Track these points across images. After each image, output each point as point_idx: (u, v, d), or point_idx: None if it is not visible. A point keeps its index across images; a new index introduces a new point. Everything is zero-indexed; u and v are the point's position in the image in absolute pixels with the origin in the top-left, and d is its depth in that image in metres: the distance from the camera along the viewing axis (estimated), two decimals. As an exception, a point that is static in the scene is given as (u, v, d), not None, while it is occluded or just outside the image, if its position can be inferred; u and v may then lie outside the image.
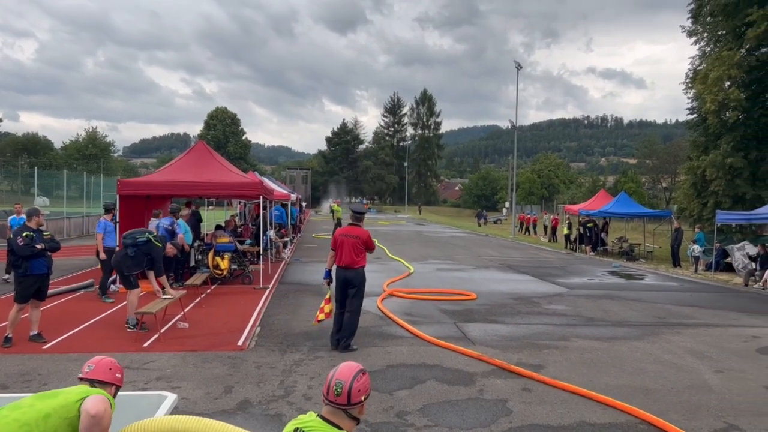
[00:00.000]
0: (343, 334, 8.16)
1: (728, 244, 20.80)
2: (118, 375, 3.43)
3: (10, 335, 7.77)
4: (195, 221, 16.27)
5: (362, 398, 2.65)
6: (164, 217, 12.55)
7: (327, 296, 8.63)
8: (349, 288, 8.19)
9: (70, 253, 19.03)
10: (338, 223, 30.53)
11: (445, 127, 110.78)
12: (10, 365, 6.98)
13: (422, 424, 5.52)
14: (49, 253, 7.98)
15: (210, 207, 18.32)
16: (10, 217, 14.32)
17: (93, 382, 3.31)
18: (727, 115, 23.54)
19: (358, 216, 8.58)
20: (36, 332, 8.06)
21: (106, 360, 3.44)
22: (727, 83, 23.33)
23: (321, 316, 8.55)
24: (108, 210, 11.77)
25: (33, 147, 68.99)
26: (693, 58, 27.21)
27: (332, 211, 33.47)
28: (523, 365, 7.48)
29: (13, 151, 66.25)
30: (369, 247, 8.31)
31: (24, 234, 7.75)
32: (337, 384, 2.62)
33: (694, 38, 26.82)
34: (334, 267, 8.38)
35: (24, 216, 14.36)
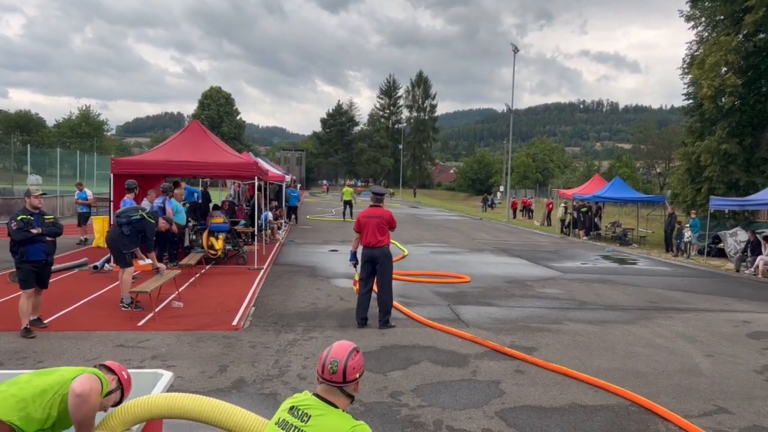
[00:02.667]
0: (381, 311, 8.48)
1: (721, 230, 20.92)
2: (124, 374, 3.34)
3: (27, 326, 7.38)
4: (205, 201, 16.30)
5: (356, 376, 2.70)
6: (157, 197, 12.44)
7: (355, 278, 8.75)
8: (376, 265, 8.44)
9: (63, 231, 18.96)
10: (347, 204, 30.62)
11: (439, 110, 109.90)
12: (5, 343, 6.99)
13: (416, 404, 5.56)
14: (48, 239, 7.53)
15: (207, 188, 18.40)
16: (77, 192, 17.43)
17: (101, 366, 3.28)
18: (723, 101, 23.53)
19: (378, 197, 8.88)
20: (36, 317, 7.76)
21: (118, 365, 3.40)
22: (724, 69, 23.27)
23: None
24: (131, 189, 11.75)
25: (26, 124, 68.43)
26: (690, 43, 27.10)
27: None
28: (516, 347, 7.54)
29: (5, 128, 65.71)
30: (392, 225, 8.63)
31: (19, 218, 7.29)
32: (333, 362, 2.65)
33: (692, 23, 26.70)
34: (360, 248, 8.61)
35: (86, 190, 16.73)
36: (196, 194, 16.24)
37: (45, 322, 7.83)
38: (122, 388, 3.28)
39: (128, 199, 11.25)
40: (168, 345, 7.14)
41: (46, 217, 7.58)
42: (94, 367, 3.26)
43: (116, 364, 3.34)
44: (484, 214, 45.40)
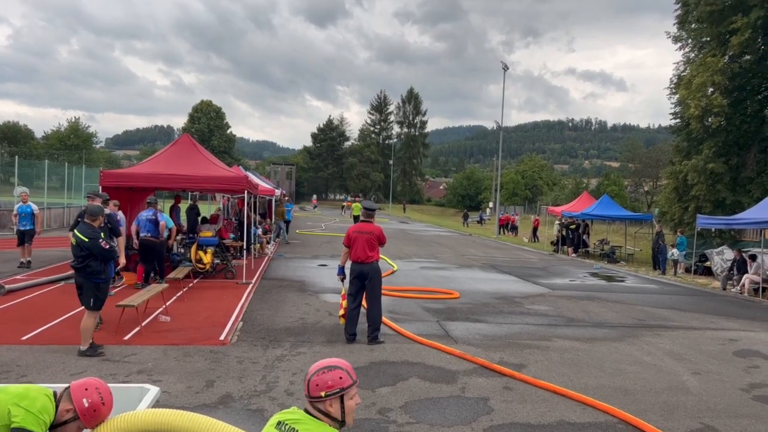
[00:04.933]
0: (370, 327, 8.44)
1: (708, 248, 21.08)
2: (84, 401, 3.06)
3: (85, 347, 7.07)
4: (194, 215, 16.20)
5: (321, 394, 2.55)
6: (145, 210, 12.39)
7: (342, 293, 8.70)
8: (366, 281, 8.41)
9: (49, 244, 18.83)
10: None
11: (428, 126, 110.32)
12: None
13: (404, 420, 5.54)
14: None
15: (196, 201, 18.38)
16: (17, 205, 14.38)
17: (65, 390, 3.13)
18: (710, 120, 23.81)
19: (369, 212, 8.81)
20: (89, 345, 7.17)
21: (93, 381, 3.20)
22: (711, 89, 23.60)
23: (341, 312, 8.65)
24: (150, 204, 12.31)
25: (14, 136, 67.98)
26: (677, 63, 27.47)
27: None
28: (505, 364, 7.53)
29: (-8, 139, 65.25)
30: (382, 241, 8.62)
31: (102, 235, 7.19)
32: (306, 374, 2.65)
33: (679, 44, 27.10)
34: (348, 263, 8.59)
35: (31, 204, 14.32)
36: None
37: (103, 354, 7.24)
38: (78, 418, 3.07)
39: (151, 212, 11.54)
40: (155, 359, 7.07)
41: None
42: (61, 391, 3.13)
43: (79, 390, 3.10)
44: (471, 229, 45.50)
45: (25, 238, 13.99)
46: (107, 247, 7.16)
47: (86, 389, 3.11)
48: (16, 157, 29.46)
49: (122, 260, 9.13)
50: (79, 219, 8.93)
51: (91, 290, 7.16)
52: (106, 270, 7.29)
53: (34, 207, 14.41)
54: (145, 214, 12.08)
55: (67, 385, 3.20)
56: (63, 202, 28.39)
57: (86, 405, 3.07)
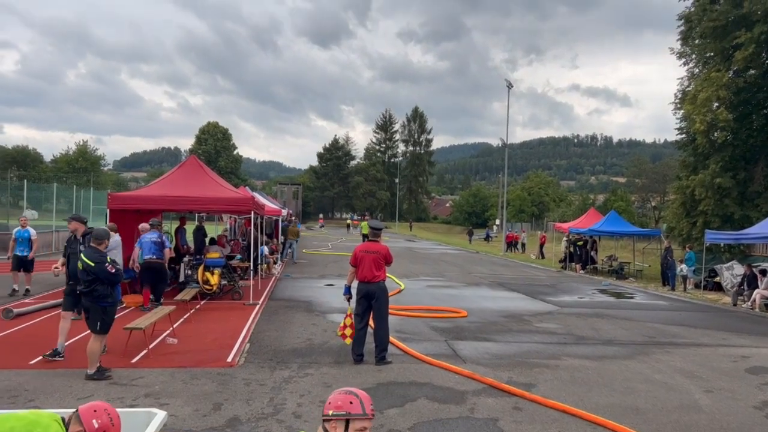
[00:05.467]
0: (377, 347, 8.40)
1: (717, 263, 20.94)
2: (95, 422, 3.07)
3: (92, 371, 7.06)
4: (200, 236, 16.24)
5: (329, 412, 2.57)
6: (150, 231, 12.37)
7: (348, 312, 8.66)
8: (372, 301, 8.39)
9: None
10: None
11: (434, 144, 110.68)
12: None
13: (413, 443, 5.48)
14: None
15: (202, 222, 18.49)
16: (16, 230, 13.71)
17: (75, 414, 3.10)
18: (716, 135, 23.79)
19: (376, 232, 8.84)
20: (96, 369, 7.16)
21: (101, 404, 3.18)
22: (716, 104, 23.61)
23: (348, 331, 8.55)
24: (153, 226, 12.35)
25: (23, 160, 68.61)
26: (681, 79, 27.56)
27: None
28: (514, 384, 7.46)
29: (2, 163, 65.85)
30: (388, 260, 8.61)
31: (109, 259, 7.30)
32: None
33: (682, 60, 27.18)
34: (355, 282, 8.57)
35: (29, 228, 13.62)
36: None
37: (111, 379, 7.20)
38: None
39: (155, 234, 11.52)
40: (162, 382, 7.05)
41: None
42: (70, 415, 3.12)
43: (88, 412, 3.09)
44: (478, 247, 45.40)
45: (22, 264, 13.41)
46: (113, 270, 7.20)
47: (95, 411, 3.10)
48: (25, 180, 29.67)
49: None
50: (67, 244, 8.85)
51: (97, 314, 7.18)
52: (113, 294, 7.31)
53: (33, 232, 13.72)
54: (149, 236, 12.08)
55: (74, 409, 3.19)
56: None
57: (96, 426, 3.06)
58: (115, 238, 11.07)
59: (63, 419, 3.17)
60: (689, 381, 8.08)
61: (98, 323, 7.16)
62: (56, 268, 8.93)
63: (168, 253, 12.34)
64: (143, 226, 12.37)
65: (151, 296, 12.19)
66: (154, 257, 11.93)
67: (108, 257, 7.31)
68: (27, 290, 13.53)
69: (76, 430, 3.10)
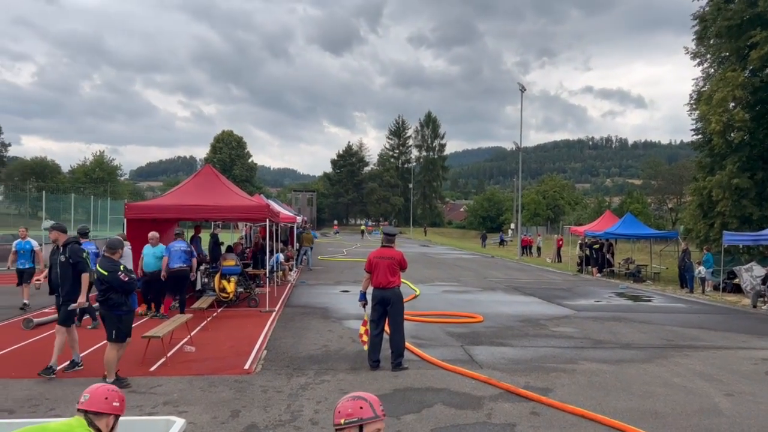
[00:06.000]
0: (393, 353, 8.42)
1: (736, 265, 20.68)
2: (115, 403, 3.25)
3: (108, 379, 6.98)
4: (212, 244, 16.36)
5: (341, 421, 2.58)
6: (177, 240, 12.60)
7: (364, 318, 8.69)
8: (388, 307, 8.42)
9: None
10: None
11: (447, 149, 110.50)
12: (18, 390, 6.99)
13: (430, 448, 5.48)
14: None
15: (216, 230, 18.60)
16: (16, 242, 13.33)
17: (88, 414, 3.18)
18: (732, 135, 23.57)
19: (390, 238, 8.88)
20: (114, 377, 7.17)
21: (102, 388, 3.29)
22: (732, 104, 23.40)
23: (366, 338, 8.56)
24: (179, 235, 12.69)
25: (41, 171, 69.64)
26: (697, 79, 27.35)
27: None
28: (531, 389, 7.43)
29: (21, 174, 66.83)
30: (403, 266, 8.63)
31: (122, 268, 7.34)
32: None
33: (698, 60, 26.97)
34: (370, 289, 8.60)
35: (30, 240, 13.22)
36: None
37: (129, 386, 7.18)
38: (118, 417, 3.30)
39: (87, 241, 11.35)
40: (180, 390, 7.11)
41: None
42: (84, 416, 3.20)
43: (99, 401, 3.21)
44: (493, 251, 45.23)
45: (24, 276, 12.97)
46: (126, 279, 7.27)
47: (106, 397, 3.25)
48: (44, 192, 30.10)
49: (81, 299, 7.78)
50: (51, 255, 8.42)
51: (113, 322, 7.28)
52: (127, 302, 7.37)
53: (34, 243, 13.36)
54: (178, 245, 12.32)
55: (77, 408, 3.25)
56: (89, 234, 28.84)
57: (119, 404, 3.29)
58: (125, 249, 11.18)
59: (88, 421, 3.23)
60: (709, 384, 7.99)
61: (114, 331, 7.25)
62: (38, 280, 8.84)
63: (195, 261, 12.55)
64: (153, 234, 12.38)
65: (174, 303, 12.33)
66: (185, 265, 12.19)
67: (121, 266, 7.39)
68: (24, 304, 12.88)
69: (105, 422, 3.23)
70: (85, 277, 7.77)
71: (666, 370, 8.76)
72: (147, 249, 12.21)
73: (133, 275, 7.62)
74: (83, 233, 11.35)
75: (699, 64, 27.06)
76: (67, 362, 7.94)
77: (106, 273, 7.20)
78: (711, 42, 25.93)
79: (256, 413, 6.33)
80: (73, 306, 7.68)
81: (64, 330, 7.71)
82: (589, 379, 8.13)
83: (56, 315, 11.30)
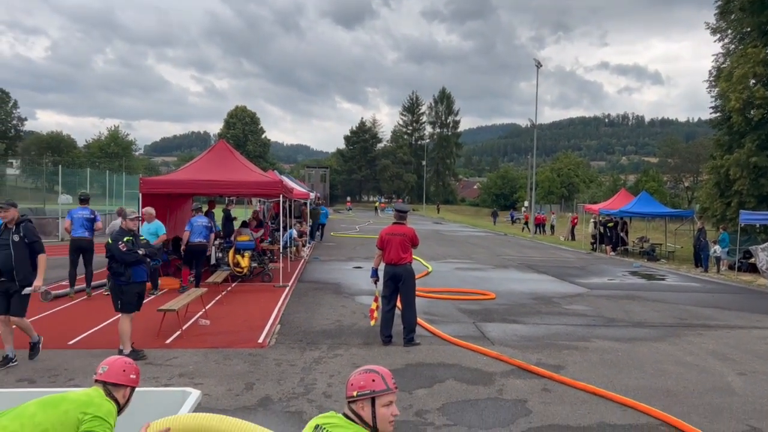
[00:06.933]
0: (405, 329, 8.48)
1: (752, 244, 20.49)
2: (132, 376, 3.36)
3: (125, 351, 7.08)
4: (225, 219, 16.52)
5: (353, 393, 2.61)
6: (198, 215, 12.80)
7: (376, 295, 8.75)
8: (399, 283, 8.46)
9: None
10: None
11: (461, 126, 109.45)
12: (38, 361, 7.11)
13: (441, 423, 5.54)
14: (148, 260, 7.60)
15: (230, 206, 18.68)
16: None
17: (106, 384, 3.28)
18: (752, 113, 23.16)
19: (401, 214, 8.88)
20: (130, 349, 7.24)
21: (120, 361, 3.39)
22: (753, 81, 22.96)
23: (376, 314, 8.71)
24: (196, 210, 12.99)
25: (57, 145, 70.09)
26: (717, 55, 26.85)
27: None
28: (543, 365, 7.46)
29: (37, 149, 67.34)
30: (415, 243, 8.64)
31: (125, 239, 7.26)
32: None
33: (718, 35, 26.45)
34: (382, 265, 8.64)
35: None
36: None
37: (146, 358, 7.30)
38: (134, 389, 3.40)
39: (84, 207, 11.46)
40: (195, 363, 7.22)
41: (141, 237, 7.63)
42: (103, 387, 3.28)
43: (118, 372, 3.31)
44: (506, 229, 45.09)
45: None
46: (125, 249, 7.19)
47: (123, 370, 3.35)
48: (60, 166, 30.34)
49: (38, 282, 6.95)
50: None
51: (116, 292, 7.42)
52: (127, 272, 7.24)
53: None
54: (200, 220, 12.52)
55: (95, 379, 3.34)
56: (105, 208, 29.13)
57: (135, 377, 3.40)
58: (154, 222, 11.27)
59: (107, 392, 3.30)
60: (722, 363, 7.97)
61: (118, 302, 7.36)
62: None
63: (212, 237, 12.75)
64: (148, 210, 11.69)
65: (190, 277, 12.50)
66: (204, 240, 12.44)
67: (127, 238, 7.31)
68: None
69: (122, 393, 3.33)
70: (42, 258, 6.98)
71: (678, 348, 8.75)
72: (144, 226, 12.08)
73: (134, 249, 7.30)
74: (83, 199, 11.65)
75: (720, 40, 26.54)
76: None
77: (110, 242, 7.37)
78: (733, 17, 25.38)
79: (270, 386, 6.42)
80: (28, 290, 6.89)
81: (19, 320, 6.95)
82: (601, 356, 8.14)
83: (75, 288, 11.53)
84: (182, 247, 12.48)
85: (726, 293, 15.18)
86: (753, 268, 19.64)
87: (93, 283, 11.66)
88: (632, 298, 13.38)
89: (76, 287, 11.31)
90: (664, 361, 7.97)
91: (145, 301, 9.80)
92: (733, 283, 17.42)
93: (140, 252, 7.34)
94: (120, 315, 7.40)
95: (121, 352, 7.05)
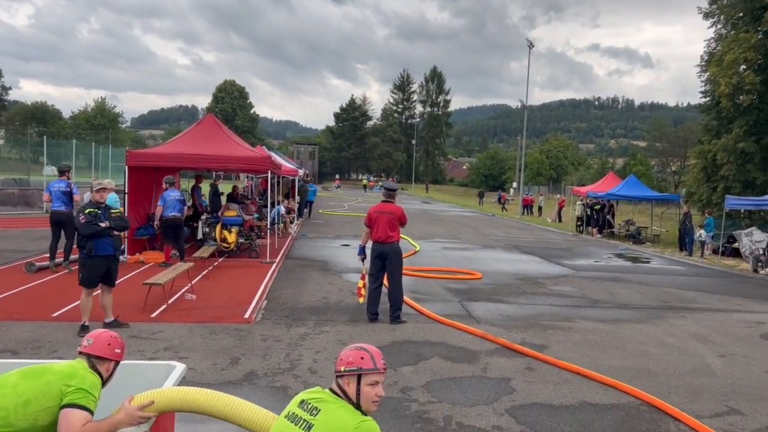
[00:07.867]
0: (391, 306, 8.51)
1: (737, 229, 20.71)
2: (117, 350, 3.32)
3: (86, 323, 7.14)
4: (212, 194, 16.38)
5: (341, 368, 2.62)
6: (170, 189, 12.44)
7: (362, 272, 8.75)
8: (386, 261, 8.46)
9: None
10: None
11: (451, 105, 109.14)
12: (21, 332, 7.08)
13: (426, 399, 5.58)
14: (116, 233, 7.38)
15: (218, 180, 18.46)
16: None
17: (90, 357, 3.24)
18: (741, 98, 23.28)
19: (390, 193, 8.84)
20: (111, 318, 7.38)
21: (105, 334, 3.34)
22: (743, 66, 23.03)
23: (364, 291, 8.73)
24: (172, 184, 12.49)
25: (42, 116, 69.12)
26: (708, 40, 26.90)
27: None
28: (527, 345, 7.52)
29: (22, 119, 66.40)
30: (403, 221, 8.61)
31: (87, 211, 7.02)
32: None
33: (710, 20, 26.43)
34: (370, 243, 8.63)
35: None
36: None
37: (129, 327, 7.43)
38: (118, 363, 3.36)
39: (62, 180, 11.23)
40: (180, 337, 7.20)
41: (112, 210, 7.38)
42: (86, 359, 3.23)
43: (103, 346, 3.25)
44: (494, 209, 45.23)
45: None
46: (83, 221, 6.98)
47: (108, 343, 3.30)
48: (45, 137, 29.93)
49: None
50: None
51: (78, 266, 7.37)
52: (88, 245, 7.05)
53: None
54: (173, 194, 12.22)
55: (79, 351, 3.29)
56: (90, 181, 28.83)
57: (119, 351, 3.35)
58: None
59: (91, 365, 3.27)
60: (703, 345, 8.09)
61: (80, 274, 7.28)
62: None
63: (186, 210, 12.51)
64: (108, 182, 11.83)
65: (173, 252, 12.39)
66: (179, 214, 12.20)
67: (89, 210, 7.06)
68: None
69: (105, 367, 3.29)
70: None
71: (661, 330, 8.86)
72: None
73: (93, 221, 7.03)
74: (62, 171, 11.44)
75: (712, 25, 26.55)
76: None
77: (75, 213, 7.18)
78: (725, 1, 25.35)
79: (256, 361, 6.43)
80: None
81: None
82: (584, 337, 8.22)
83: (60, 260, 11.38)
84: (156, 222, 12.30)
85: (709, 277, 15.36)
86: (736, 253, 19.87)
87: (72, 257, 11.52)
88: (617, 280, 13.50)
89: (56, 260, 11.18)
90: (647, 343, 8.07)
91: (132, 275, 9.77)
92: (717, 267, 17.63)
93: (102, 225, 7.04)
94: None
95: (106, 325, 7.06)
